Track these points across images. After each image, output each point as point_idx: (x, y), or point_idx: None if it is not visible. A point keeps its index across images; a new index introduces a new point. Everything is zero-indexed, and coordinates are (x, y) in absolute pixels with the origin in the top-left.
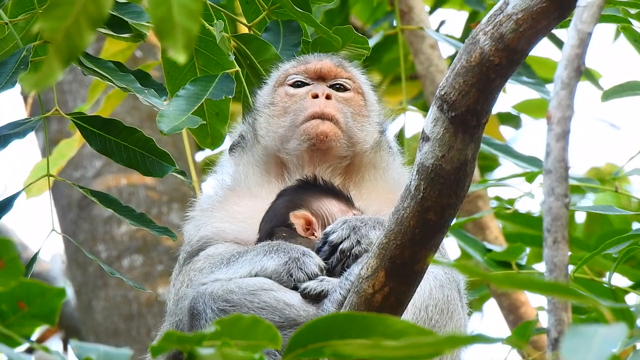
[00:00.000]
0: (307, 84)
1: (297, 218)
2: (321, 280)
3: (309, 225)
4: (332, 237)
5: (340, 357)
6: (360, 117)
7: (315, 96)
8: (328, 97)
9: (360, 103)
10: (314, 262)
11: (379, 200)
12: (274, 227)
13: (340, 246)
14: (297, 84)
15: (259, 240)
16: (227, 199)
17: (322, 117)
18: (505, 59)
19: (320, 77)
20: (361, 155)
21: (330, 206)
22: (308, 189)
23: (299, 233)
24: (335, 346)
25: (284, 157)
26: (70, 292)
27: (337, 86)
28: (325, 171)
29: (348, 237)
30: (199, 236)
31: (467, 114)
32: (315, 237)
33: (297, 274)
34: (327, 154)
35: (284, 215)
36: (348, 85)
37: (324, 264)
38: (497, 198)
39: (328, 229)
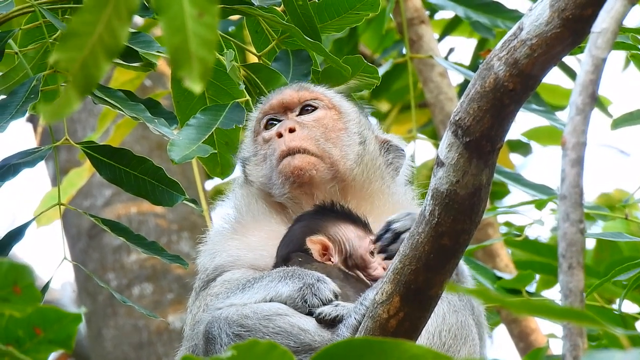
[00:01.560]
0: (279, 120)
1: (313, 243)
2: (336, 305)
3: (325, 250)
4: (396, 225)
5: None
6: (335, 132)
7: (280, 135)
8: (291, 130)
9: (333, 117)
10: (329, 287)
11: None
12: (290, 252)
13: (402, 235)
14: (271, 124)
15: (275, 265)
16: (241, 227)
17: (290, 153)
18: (520, 84)
19: (286, 108)
20: (351, 172)
21: (347, 232)
22: (325, 214)
23: (315, 258)
24: None
25: (279, 200)
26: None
27: (307, 109)
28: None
29: (410, 228)
30: (215, 265)
31: (482, 140)
32: (332, 262)
33: (312, 300)
34: (312, 184)
35: (301, 240)
36: (316, 104)
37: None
38: (508, 224)
39: (392, 217)
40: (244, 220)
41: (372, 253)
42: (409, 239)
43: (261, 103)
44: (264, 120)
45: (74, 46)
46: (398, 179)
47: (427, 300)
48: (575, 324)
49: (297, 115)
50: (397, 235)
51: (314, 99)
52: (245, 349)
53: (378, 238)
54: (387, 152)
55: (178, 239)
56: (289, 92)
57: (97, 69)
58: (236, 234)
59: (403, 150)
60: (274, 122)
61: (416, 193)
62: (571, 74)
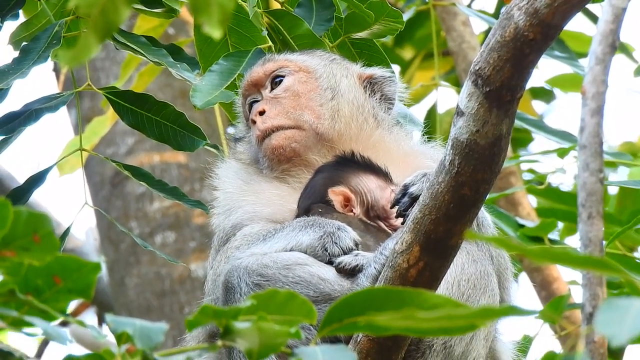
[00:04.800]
0: (257, 100)
1: (335, 195)
2: (356, 255)
3: (347, 201)
4: (412, 189)
5: (375, 330)
6: (306, 95)
7: (253, 121)
8: (261, 112)
9: (302, 80)
10: (349, 236)
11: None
12: (312, 203)
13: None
14: (252, 104)
15: (296, 217)
16: (251, 187)
17: (266, 135)
18: (540, 34)
19: (258, 86)
20: (332, 129)
21: (368, 182)
22: (346, 165)
23: (337, 209)
24: (370, 319)
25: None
26: (103, 269)
27: (277, 80)
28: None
29: None
30: (232, 223)
31: (502, 89)
32: (354, 213)
33: (332, 249)
34: (299, 154)
35: (322, 192)
36: (283, 73)
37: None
38: (531, 171)
39: (407, 180)
40: (252, 181)
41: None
42: (429, 188)
43: (242, 82)
44: (247, 104)
45: None
46: (395, 109)
47: (446, 249)
48: (594, 273)
49: (271, 91)
50: (414, 200)
51: (280, 68)
52: (265, 298)
53: (395, 202)
54: (375, 87)
55: (201, 188)
56: (255, 70)
57: (117, 15)
58: (248, 193)
59: (390, 75)
60: (254, 102)
61: (419, 128)
62: (595, 20)
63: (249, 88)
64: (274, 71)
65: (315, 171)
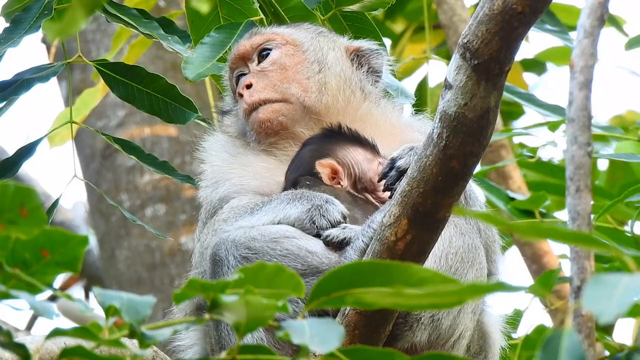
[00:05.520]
0: (245, 73)
1: (323, 167)
2: (344, 228)
3: (334, 174)
4: (400, 163)
5: (363, 305)
6: (293, 67)
7: (240, 95)
8: (248, 86)
9: (289, 53)
10: (337, 209)
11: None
12: (299, 176)
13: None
14: (239, 77)
15: (284, 190)
16: (238, 160)
17: (253, 108)
18: (528, 6)
19: (245, 60)
20: (319, 102)
21: (355, 155)
22: (333, 138)
23: (325, 182)
24: (358, 294)
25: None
26: (93, 242)
27: (264, 54)
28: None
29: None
30: (219, 196)
31: (490, 62)
32: (342, 186)
33: (320, 221)
34: (286, 127)
35: (310, 164)
36: (270, 46)
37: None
38: (522, 145)
39: (394, 154)
40: (239, 154)
41: None
42: (417, 161)
43: (229, 56)
44: (234, 77)
45: None
46: (382, 82)
47: (434, 223)
48: (582, 247)
49: (258, 64)
50: (401, 173)
51: (267, 41)
52: (253, 271)
53: (382, 176)
54: (363, 59)
55: (191, 160)
56: (243, 43)
57: None
58: (235, 165)
59: (377, 48)
60: (240, 75)
61: (410, 101)
62: None
63: (236, 61)
64: (261, 44)
65: (303, 144)
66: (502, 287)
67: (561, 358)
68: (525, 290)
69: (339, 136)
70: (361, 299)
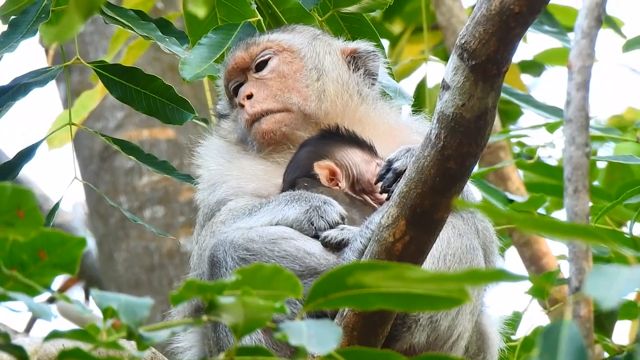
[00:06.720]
0: (242, 82)
1: (321, 168)
2: (342, 229)
3: (333, 175)
4: (396, 165)
5: (361, 305)
6: (292, 75)
7: (242, 105)
8: (249, 96)
9: (287, 60)
10: (335, 210)
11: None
12: (297, 177)
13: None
14: (236, 88)
15: (282, 191)
16: (234, 163)
17: (255, 119)
18: (526, 7)
19: (243, 70)
20: (319, 110)
21: (353, 156)
22: (331, 139)
23: (323, 183)
24: (356, 295)
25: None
26: (91, 243)
27: (262, 63)
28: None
29: None
30: (217, 198)
31: (488, 63)
32: (340, 187)
33: (318, 223)
34: (289, 135)
35: (308, 165)
36: (268, 54)
37: (345, 213)
38: (521, 144)
39: (391, 156)
40: (236, 158)
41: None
42: (415, 162)
43: (223, 67)
44: (230, 87)
45: None
46: (379, 84)
47: (432, 223)
48: (581, 247)
49: (256, 72)
50: (398, 175)
51: (264, 50)
52: (250, 273)
53: (379, 178)
54: (359, 61)
55: (189, 163)
56: (239, 55)
57: None
58: (232, 168)
59: (373, 50)
60: (238, 86)
61: (408, 102)
62: None
63: (233, 73)
64: (258, 54)
65: (300, 145)
66: (502, 275)
67: (561, 347)
68: (525, 279)
69: (336, 138)
70: (359, 300)
